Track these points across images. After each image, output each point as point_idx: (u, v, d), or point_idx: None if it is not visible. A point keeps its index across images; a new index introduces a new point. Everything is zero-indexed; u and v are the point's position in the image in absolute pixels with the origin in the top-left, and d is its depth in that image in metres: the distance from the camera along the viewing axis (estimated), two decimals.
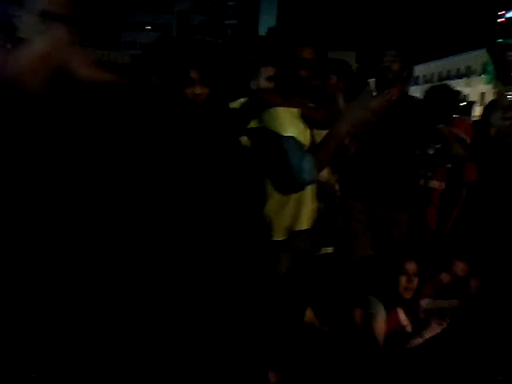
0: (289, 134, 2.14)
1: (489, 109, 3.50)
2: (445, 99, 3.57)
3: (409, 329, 2.72)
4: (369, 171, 3.06)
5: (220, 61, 2.96)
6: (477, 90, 34.05)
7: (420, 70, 42.60)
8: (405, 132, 3.03)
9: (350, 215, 3.07)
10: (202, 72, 1.87)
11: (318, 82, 2.33)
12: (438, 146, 3.24)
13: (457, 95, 3.99)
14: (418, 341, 2.62)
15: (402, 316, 2.76)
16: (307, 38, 2.36)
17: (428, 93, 3.53)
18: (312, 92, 2.26)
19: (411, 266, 2.80)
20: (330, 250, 2.75)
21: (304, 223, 2.31)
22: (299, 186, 2.24)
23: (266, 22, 39.21)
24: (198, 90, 1.85)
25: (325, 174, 2.63)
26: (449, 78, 42.47)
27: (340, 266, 2.75)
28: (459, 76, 40.56)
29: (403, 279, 2.77)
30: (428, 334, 2.62)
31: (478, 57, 35.98)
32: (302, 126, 2.25)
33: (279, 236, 2.26)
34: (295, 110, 2.25)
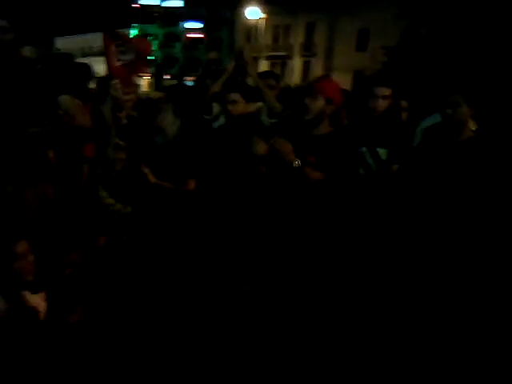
0: None
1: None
2: (73, 71, 3.65)
3: (41, 306, 2.68)
4: None
5: None
6: None
7: (62, 43, 41.62)
8: (23, 104, 3.00)
9: None
10: None
11: None
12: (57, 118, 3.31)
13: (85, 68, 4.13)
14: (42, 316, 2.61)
15: (30, 298, 2.66)
16: None
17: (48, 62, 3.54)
18: None
19: (21, 247, 2.63)
20: None
21: None
22: None
23: None
24: None
25: None
26: (92, 54, 42.80)
27: None
28: (102, 53, 41.42)
29: (17, 264, 2.62)
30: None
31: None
32: None
33: None
34: None
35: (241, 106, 3.36)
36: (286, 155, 2.98)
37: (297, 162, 2.96)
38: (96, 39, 48.87)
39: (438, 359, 2.75)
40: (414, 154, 3.20)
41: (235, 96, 3.37)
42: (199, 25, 45.05)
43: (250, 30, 38.99)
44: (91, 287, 2.99)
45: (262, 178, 3.23)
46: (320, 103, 3.09)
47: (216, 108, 4.05)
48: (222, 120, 3.77)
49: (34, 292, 2.71)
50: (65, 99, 3.31)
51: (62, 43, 45.60)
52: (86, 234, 3.41)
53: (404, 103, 4.07)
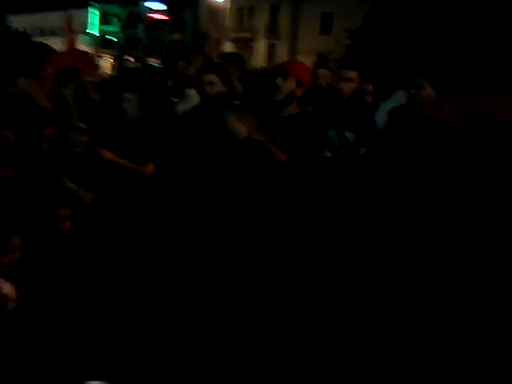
0: None
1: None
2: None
3: (12, 294, 2.63)
4: None
5: None
6: None
7: (15, 21, 40.14)
8: None
9: None
10: None
11: None
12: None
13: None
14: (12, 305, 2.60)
15: (2, 286, 2.61)
16: None
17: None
18: None
19: (14, 242, 2.58)
20: None
21: None
22: None
23: None
24: None
25: None
26: (49, 33, 41.38)
27: None
28: (58, 33, 40.18)
29: (4, 257, 2.54)
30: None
31: (77, 15, 36.43)
32: None
33: None
34: None
35: (218, 86, 3.28)
36: (233, 126, 2.92)
37: (243, 135, 2.92)
38: (52, 18, 47.16)
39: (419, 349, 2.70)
40: (381, 137, 3.23)
41: (211, 77, 3.29)
42: (162, 6, 44.02)
43: (214, 11, 38.40)
44: (55, 273, 2.93)
45: (240, 159, 3.16)
46: (291, 84, 3.07)
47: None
48: (191, 102, 3.67)
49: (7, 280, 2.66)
50: (23, 81, 3.17)
51: (16, 21, 43.75)
52: (48, 217, 3.31)
53: (369, 87, 4.08)
